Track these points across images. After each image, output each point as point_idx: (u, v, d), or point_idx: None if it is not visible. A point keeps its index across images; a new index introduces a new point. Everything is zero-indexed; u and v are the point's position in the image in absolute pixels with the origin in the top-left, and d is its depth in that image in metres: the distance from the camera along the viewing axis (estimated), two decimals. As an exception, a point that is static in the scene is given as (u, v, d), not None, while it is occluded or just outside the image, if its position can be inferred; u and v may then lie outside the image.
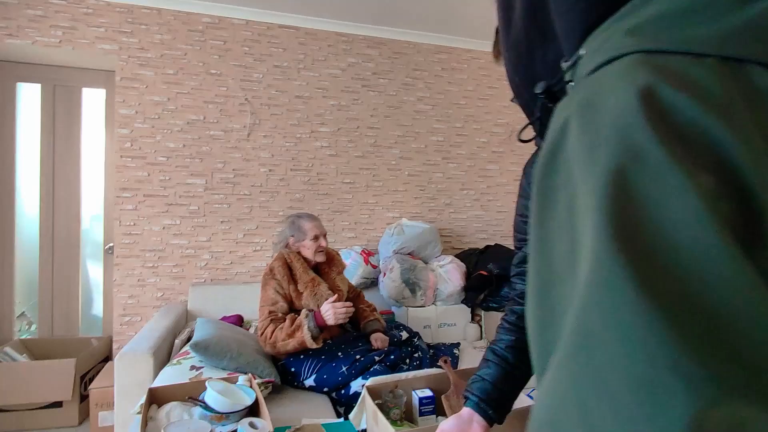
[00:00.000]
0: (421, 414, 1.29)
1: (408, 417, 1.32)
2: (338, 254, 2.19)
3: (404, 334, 2.17)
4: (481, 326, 2.57)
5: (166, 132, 2.57)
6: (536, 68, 0.44)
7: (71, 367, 2.26)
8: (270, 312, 1.82)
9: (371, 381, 1.33)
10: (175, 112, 2.58)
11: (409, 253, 2.69)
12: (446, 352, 2.20)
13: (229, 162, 2.67)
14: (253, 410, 1.42)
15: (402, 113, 2.96)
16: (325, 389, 1.81)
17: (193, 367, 1.68)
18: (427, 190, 3.04)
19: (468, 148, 3.10)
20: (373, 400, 1.25)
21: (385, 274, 2.58)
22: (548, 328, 0.28)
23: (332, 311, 1.76)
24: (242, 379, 1.52)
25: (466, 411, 0.87)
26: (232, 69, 2.67)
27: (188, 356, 1.77)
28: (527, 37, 0.44)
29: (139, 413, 1.50)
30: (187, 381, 1.58)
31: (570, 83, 0.35)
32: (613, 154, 0.24)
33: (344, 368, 1.80)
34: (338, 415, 1.71)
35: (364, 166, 2.90)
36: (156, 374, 1.74)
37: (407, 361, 1.97)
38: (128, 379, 1.70)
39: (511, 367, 0.91)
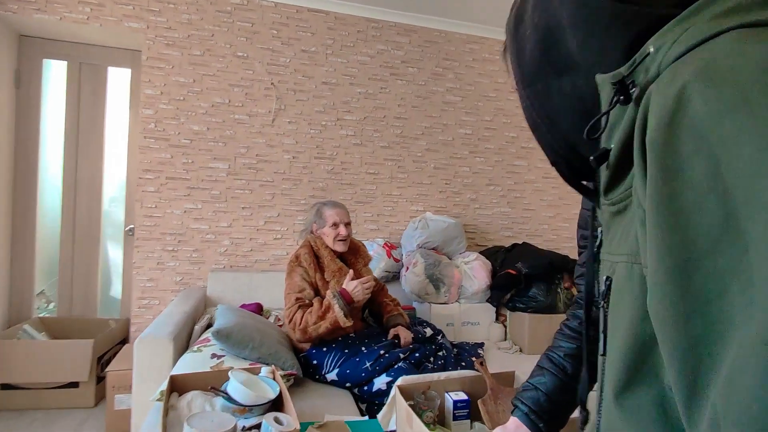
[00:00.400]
0: (455, 418, 1.22)
1: (440, 421, 1.25)
2: (363, 245, 2.13)
3: (428, 331, 2.10)
4: (505, 326, 2.48)
5: (190, 114, 2.52)
6: (554, 102, 0.45)
7: (89, 348, 2.24)
8: (297, 299, 1.77)
9: (402, 381, 1.26)
10: (200, 94, 2.53)
11: (433, 248, 2.61)
12: (470, 352, 2.12)
13: (252, 147, 2.62)
14: (276, 404, 1.37)
15: (430, 104, 2.87)
16: (348, 384, 1.76)
17: (214, 355, 1.63)
18: (452, 184, 2.95)
19: (496, 143, 3.00)
20: (405, 400, 1.18)
21: (408, 268, 2.51)
22: (696, 317, 0.25)
23: (360, 287, 1.72)
24: (265, 370, 1.46)
25: (513, 422, 0.79)
26: (259, 52, 2.61)
27: (209, 343, 1.72)
28: (542, 72, 0.44)
29: (159, 400, 1.46)
30: (209, 369, 1.53)
31: (631, 84, 0.34)
32: None
33: (368, 364, 1.74)
34: (361, 413, 1.65)
35: (389, 157, 2.82)
36: (175, 360, 1.69)
37: (431, 359, 1.90)
38: (147, 364, 1.66)
39: (569, 378, 0.83)
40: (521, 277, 2.34)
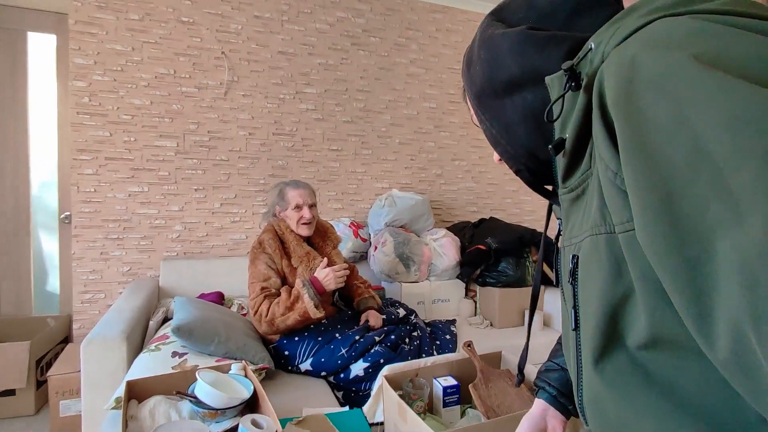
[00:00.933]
0: (446, 405, 1.16)
1: (429, 408, 1.20)
2: (332, 227, 2.01)
3: (401, 312, 2.04)
4: (475, 302, 2.48)
5: (130, 87, 2.26)
6: (509, 117, 0.50)
7: (25, 351, 2.00)
8: (262, 288, 1.64)
9: (388, 370, 1.19)
10: (140, 64, 2.26)
11: (401, 226, 2.54)
12: (444, 330, 2.09)
13: (203, 123, 2.39)
14: (250, 403, 1.26)
15: (393, 76, 2.75)
16: (323, 373, 1.67)
17: (175, 354, 1.48)
18: (417, 160, 2.87)
19: (461, 117, 2.94)
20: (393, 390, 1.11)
21: (376, 248, 2.43)
22: (689, 241, 0.27)
23: (332, 275, 1.61)
24: (235, 367, 1.34)
25: (538, 407, 0.74)
26: (207, 17, 2.36)
27: (168, 341, 1.57)
28: (494, 95, 0.51)
29: (113, 408, 1.31)
30: (171, 371, 1.39)
31: (579, 73, 0.40)
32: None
33: (343, 350, 1.66)
34: (339, 402, 1.57)
35: (352, 132, 2.69)
36: (130, 361, 1.53)
37: (407, 340, 1.85)
38: (97, 367, 1.49)
39: None
40: (491, 253, 2.32)
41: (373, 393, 1.23)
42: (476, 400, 1.11)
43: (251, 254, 1.72)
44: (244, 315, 2.10)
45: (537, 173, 0.52)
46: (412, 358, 1.73)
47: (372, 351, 1.68)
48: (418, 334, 1.93)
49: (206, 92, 2.38)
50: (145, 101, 2.29)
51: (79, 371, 1.52)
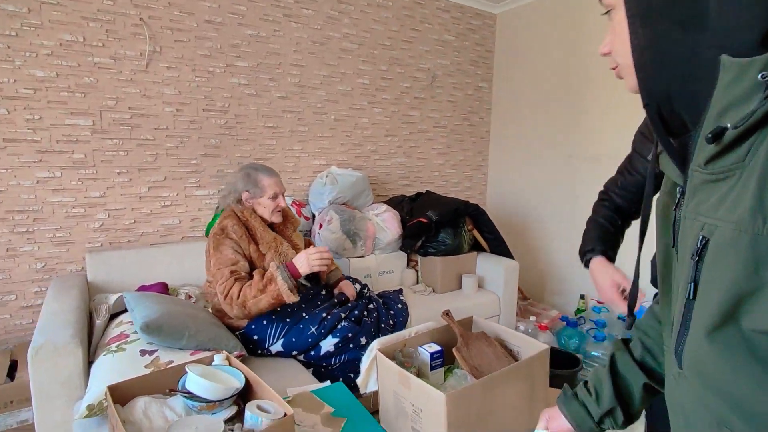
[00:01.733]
0: (432, 369, 1.29)
1: (416, 373, 1.32)
2: (290, 209, 2.00)
3: (357, 287, 2.12)
4: (417, 271, 2.65)
5: (28, 55, 1.94)
6: (670, 49, 0.46)
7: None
8: (232, 272, 1.60)
9: (379, 344, 1.28)
10: (40, 28, 1.95)
11: (343, 203, 2.58)
12: (394, 299, 2.23)
13: (123, 99, 2.16)
14: (241, 393, 1.26)
15: (327, 51, 2.71)
16: (294, 353, 1.71)
17: (144, 352, 1.40)
18: (353, 137, 2.90)
19: (392, 93, 3.01)
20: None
21: (321, 225, 2.45)
22: None
23: (305, 256, 1.61)
24: (218, 358, 1.32)
25: (598, 262, 1.19)
26: (118, -23, 2.09)
27: (129, 340, 1.47)
28: (668, 18, 0.45)
29: (86, 417, 1.23)
30: (145, 371, 1.32)
31: None
32: None
33: (313, 329, 1.71)
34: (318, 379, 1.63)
35: (287, 109, 2.62)
36: (87, 367, 1.41)
37: (365, 313, 1.95)
38: (49, 377, 1.35)
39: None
40: (432, 224, 2.49)
41: (364, 367, 1.31)
42: (461, 361, 1.26)
43: (213, 241, 1.66)
44: (194, 303, 2.02)
45: (662, 118, 0.50)
46: (374, 330, 1.84)
47: (339, 327, 1.75)
48: (374, 306, 2.03)
49: (124, 64, 2.14)
50: (50, 73, 1.99)
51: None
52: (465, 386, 1.06)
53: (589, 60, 2.83)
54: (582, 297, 2.93)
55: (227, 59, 2.39)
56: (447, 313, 1.39)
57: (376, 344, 1.27)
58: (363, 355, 1.74)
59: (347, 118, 2.85)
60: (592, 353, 2.34)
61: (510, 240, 2.69)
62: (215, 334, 1.52)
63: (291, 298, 1.56)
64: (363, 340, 1.76)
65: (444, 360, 1.32)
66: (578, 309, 2.92)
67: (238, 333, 1.69)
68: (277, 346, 1.68)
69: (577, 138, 2.95)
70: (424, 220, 2.49)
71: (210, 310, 1.82)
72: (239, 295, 1.57)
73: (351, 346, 1.73)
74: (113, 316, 1.75)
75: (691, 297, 0.48)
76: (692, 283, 0.47)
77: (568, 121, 2.99)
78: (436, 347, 1.31)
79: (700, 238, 0.45)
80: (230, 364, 1.33)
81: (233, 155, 2.48)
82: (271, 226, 1.83)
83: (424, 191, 2.93)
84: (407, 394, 1.12)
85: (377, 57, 2.90)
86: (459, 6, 3.22)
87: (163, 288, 2.02)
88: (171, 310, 1.50)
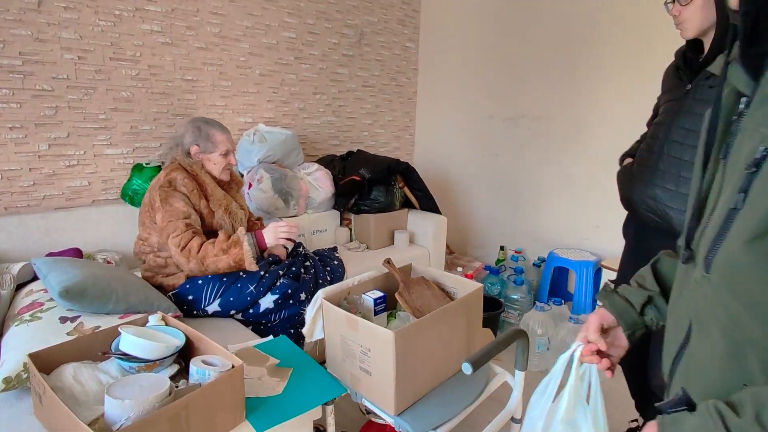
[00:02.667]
0: (376, 314, 1.35)
1: (361, 318, 1.37)
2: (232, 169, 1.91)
3: (290, 246, 2.11)
4: (350, 229, 2.68)
5: None
6: None
7: None
8: (187, 224, 1.54)
9: (323, 293, 1.30)
10: None
11: (273, 162, 2.51)
12: (330, 256, 2.25)
13: (11, 42, 1.87)
14: (182, 352, 1.23)
15: (250, -1, 2.54)
16: (232, 312, 1.68)
17: (64, 319, 1.30)
18: (280, 93, 2.79)
19: (320, 49, 2.92)
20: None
21: (251, 185, 2.37)
22: None
23: (273, 228, 1.63)
24: (153, 318, 1.27)
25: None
26: None
27: (45, 308, 1.34)
28: None
29: (3, 391, 1.12)
30: (68, 338, 1.23)
31: None
32: None
33: (251, 287, 1.69)
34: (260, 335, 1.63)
35: (208, 61, 2.44)
36: (-4, 339, 1.28)
37: (303, 270, 1.95)
38: (-50, 353, 1.21)
39: None
40: (365, 182, 2.51)
41: (309, 316, 1.33)
42: (403, 304, 1.33)
43: (160, 193, 1.55)
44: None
45: (755, 25, 0.52)
46: (312, 285, 1.86)
47: (278, 284, 1.74)
48: (311, 263, 2.04)
49: (11, 2, 1.84)
50: None
51: None
52: (410, 323, 1.13)
53: (507, 25, 2.95)
54: (502, 248, 3.17)
55: (136, 2, 2.15)
56: (388, 262, 1.45)
57: (321, 293, 1.29)
58: (303, 310, 1.76)
59: (273, 73, 2.73)
60: (512, 296, 2.57)
61: (436, 197, 2.81)
62: (146, 295, 1.45)
63: (252, 266, 1.57)
64: (302, 296, 1.77)
65: (386, 306, 1.38)
66: (498, 259, 3.16)
67: (170, 294, 1.62)
68: (213, 306, 1.64)
69: (497, 99, 3.11)
70: (357, 178, 2.51)
71: (141, 271, 1.72)
72: (199, 249, 1.52)
73: (291, 302, 1.74)
74: (19, 287, 1.58)
75: (737, 207, 0.50)
76: (743, 193, 0.49)
77: (490, 82, 3.13)
78: (378, 293, 1.37)
79: (761, 149, 0.48)
80: (167, 325, 1.28)
81: (148, 110, 2.27)
82: (219, 184, 1.75)
83: (355, 150, 2.93)
84: (355, 336, 1.17)
85: (303, 9, 2.78)
86: (385, -39, 3.16)
87: (77, 253, 1.85)
88: (94, 272, 1.39)
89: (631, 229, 1.44)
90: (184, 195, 1.58)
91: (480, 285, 1.34)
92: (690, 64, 1.22)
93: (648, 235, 1.31)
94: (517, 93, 3.00)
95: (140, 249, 1.67)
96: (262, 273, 1.74)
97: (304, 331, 1.34)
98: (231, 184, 1.84)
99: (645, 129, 1.44)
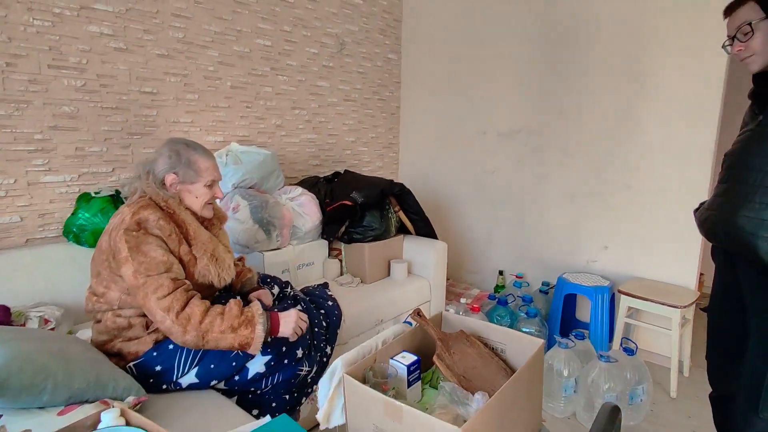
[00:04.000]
0: (410, 384, 1.04)
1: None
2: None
3: (276, 289, 1.77)
4: (341, 261, 2.36)
5: None
6: None
7: None
8: (176, 280, 1.20)
9: (343, 362, 0.98)
10: None
11: (250, 187, 2.17)
12: (321, 295, 1.93)
13: None
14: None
15: (218, 1, 2.21)
16: (214, 382, 1.32)
17: (-25, 423, 0.91)
18: (254, 108, 2.46)
19: (298, 59, 2.62)
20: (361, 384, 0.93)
21: (225, 215, 2.01)
22: None
23: (294, 319, 1.34)
24: (108, 417, 0.90)
25: None
26: None
27: (-53, 405, 0.95)
28: None
29: None
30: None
31: None
32: None
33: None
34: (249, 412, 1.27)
35: (170, 71, 2.09)
36: None
37: (295, 317, 1.62)
38: None
39: None
40: (357, 208, 2.21)
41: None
42: (445, 371, 1.03)
43: (127, 240, 1.17)
44: (52, 329, 1.48)
45: None
46: (309, 336, 1.53)
47: (269, 340, 1.40)
48: (302, 307, 1.71)
49: None
50: None
51: None
52: (480, 411, 0.83)
53: (499, 32, 2.77)
54: (501, 273, 2.94)
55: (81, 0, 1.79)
56: (418, 313, 1.15)
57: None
58: (300, 371, 1.43)
59: (246, 85, 2.40)
60: (523, 329, 2.32)
61: (430, 220, 2.55)
62: (97, 375, 1.07)
63: (257, 351, 1.25)
64: (299, 353, 1.44)
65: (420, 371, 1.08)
66: (497, 285, 2.92)
67: (132, 365, 1.24)
68: (189, 377, 1.28)
69: (490, 114, 2.90)
70: (349, 203, 2.20)
71: (93, 332, 1.33)
72: (203, 318, 1.18)
73: (285, 362, 1.40)
74: None
75: None
76: None
77: (480, 96, 2.93)
78: (411, 357, 1.07)
79: None
80: (128, 423, 0.92)
81: (97, 128, 1.89)
82: (200, 221, 1.41)
83: (342, 171, 2.63)
84: (397, 429, 0.86)
85: (279, 15, 2.48)
86: (366, -34, 2.93)
87: (3, 313, 1.43)
88: (21, 349, 1.00)
89: (720, 255, 1.34)
90: (160, 240, 1.22)
91: (540, 342, 1.07)
92: (759, 98, 1.19)
93: (737, 262, 1.23)
94: (511, 106, 2.80)
95: (94, 306, 1.29)
96: (249, 328, 1.39)
97: (319, 417, 1.02)
98: (213, 220, 1.49)
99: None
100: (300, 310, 1.66)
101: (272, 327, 1.30)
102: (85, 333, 1.53)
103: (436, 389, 1.11)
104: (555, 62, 2.57)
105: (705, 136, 2.14)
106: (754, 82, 1.19)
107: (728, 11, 1.14)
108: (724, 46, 1.18)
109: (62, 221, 1.82)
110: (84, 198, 1.79)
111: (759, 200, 1.09)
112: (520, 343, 1.10)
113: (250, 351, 1.24)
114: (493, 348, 1.16)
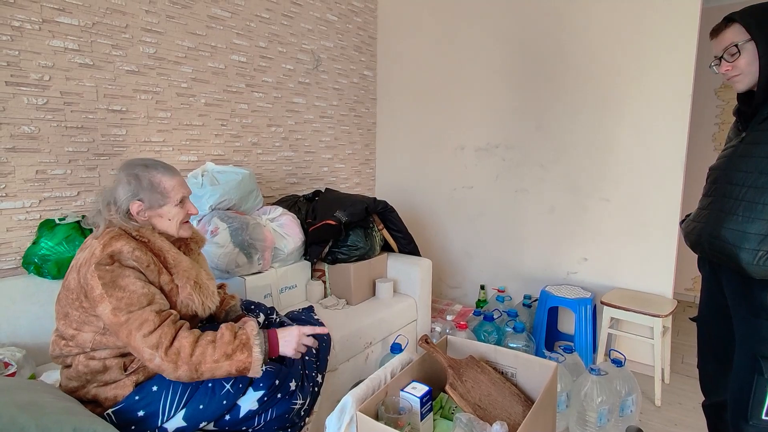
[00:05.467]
0: (423, 417, 0.99)
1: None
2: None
3: (261, 316, 1.68)
4: (324, 282, 2.28)
5: None
6: None
7: None
8: (161, 312, 1.10)
9: (353, 398, 0.92)
10: None
11: (228, 208, 2.07)
12: (308, 319, 1.84)
13: None
14: None
15: (192, 16, 2.13)
16: (203, 424, 1.21)
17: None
18: (230, 126, 2.37)
19: (274, 75, 2.56)
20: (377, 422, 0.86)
21: (203, 239, 1.90)
22: None
23: (297, 338, 1.27)
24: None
25: None
26: None
27: None
28: None
29: None
30: None
31: None
32: None
33: (227, 385, 1.24)
34: (243, 455, 1.18)
35: (141, 88, 1.98)
36: None
37: (284, 346, 1.53)
38: None
39: None
40: (341, 227, 2.15)
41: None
42: (458, 400, 0.98)
43: (100, 275, 1.06)
44: (12, 375, 1.33)
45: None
46: (300, 365, 1.45)
47: (269, 360, 1.32)
48: (290, 334, 1.63)
49: None
50: None
51: None
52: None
53: (475, 49, 2.82)
54: (482, 288, 2.93)
55: (43, 11, 1.66)
56: (426, 341, 1.10)
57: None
58: (294, 405, 1.34)
59: (221, 102, 2.31)
60: (511, 344, 2.30)
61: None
62: (74, 427, 0.96)
63: (258, 374, 1.16)
64: (292, 385, 1.35)
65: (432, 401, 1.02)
66: (480, 300, 2.91)
67: (110, 412, 1.12)
68: (176, 421, 1.17)
69: (466, 129, 2.93)
70: (332, 222, 2.14)
71: (61, 378, 1.20)
72: (194, 350, 1.08)
73: (279, 396, 1.31)
74: None
75: None
76: None
77: (457, 111, 2.95)
78: (422, 388, 1.01)
79: None
80: (117, 481, 0.82)
81: (61, 149, 1.76)
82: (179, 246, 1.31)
83: (322, 189, 2.56)
84: (420, 471, 0.80)
85: (254, 31, 2.42)
86: (339, -17, 2.92)
87: (-44, 359, 1.28)
88: (-16, 405, 0.88)
89: (706, 266, 1.37)
90: (137, 271, 1.12)
91: (554, 365, 1.04)
92: (744, 115, 1.24)
93: (721, 271, 1.28)
94: (488, 122, 2.84)
95: (62, 351, 1.16)
96: (239, 362, 1.30)
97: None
98: (191, 245, 1.39)
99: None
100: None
101: (270, 347, 1.22)
102: (51, 375, 1.39)
103: (448, 419, 1.06)
104: (531, 78, 2.63)
105: (676, 153, 2.23)
106: (739, 100, 1.24)
107: (714, 33, 1.18)
108: (711, 66, 1.22)
109: (21, 251, 1.66)
110: (47, 225, 1.65)
111: (742, 213, 1.13)
112: (530, 366, 1.07)
113: (250, 375, 1.15)
114: (503, 372, 1.13)
